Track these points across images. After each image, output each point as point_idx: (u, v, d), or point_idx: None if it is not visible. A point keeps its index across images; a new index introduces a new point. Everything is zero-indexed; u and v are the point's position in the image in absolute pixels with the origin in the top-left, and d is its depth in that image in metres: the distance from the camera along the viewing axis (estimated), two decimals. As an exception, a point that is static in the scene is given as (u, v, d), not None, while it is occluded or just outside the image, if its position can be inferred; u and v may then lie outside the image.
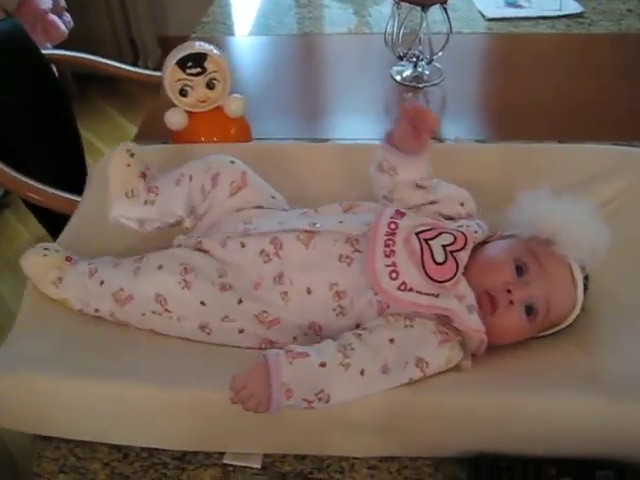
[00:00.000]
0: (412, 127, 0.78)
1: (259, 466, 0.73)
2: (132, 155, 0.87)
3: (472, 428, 0.70)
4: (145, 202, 0.86)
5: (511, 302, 0.72)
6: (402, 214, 0.77)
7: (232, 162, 0.88)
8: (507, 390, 0.70)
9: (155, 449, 0.75)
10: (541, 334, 0.76)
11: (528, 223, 0.76)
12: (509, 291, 0.72)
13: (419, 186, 0.81)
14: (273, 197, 0.88)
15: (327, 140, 1.18)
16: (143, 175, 0.87)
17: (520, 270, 0.73)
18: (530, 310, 0.73)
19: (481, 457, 0.70)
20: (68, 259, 0.83)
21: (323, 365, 0.67)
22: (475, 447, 0.70)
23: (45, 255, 0.83)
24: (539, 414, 0.69)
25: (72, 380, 0.73)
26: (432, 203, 0.82)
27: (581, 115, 1.23)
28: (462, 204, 0.83)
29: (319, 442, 0.73)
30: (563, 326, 0.76)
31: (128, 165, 0.86)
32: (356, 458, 0.73)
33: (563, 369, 0.73)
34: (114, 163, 0.86)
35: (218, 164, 0.87)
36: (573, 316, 0.75)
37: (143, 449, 0.75)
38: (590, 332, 0.77)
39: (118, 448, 0.75)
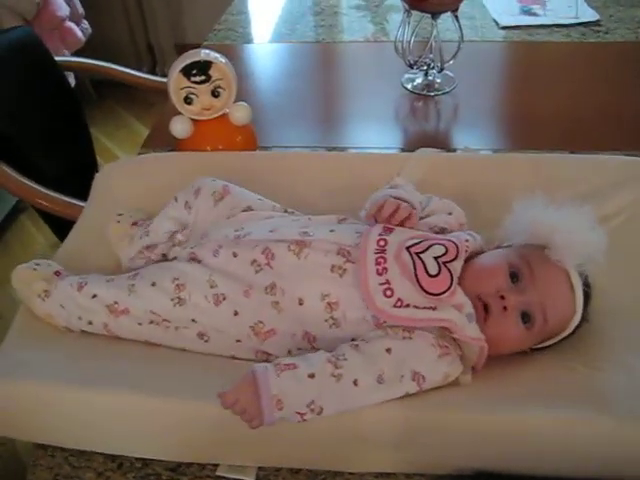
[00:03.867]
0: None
1: (253, 479, 0.72)
2: (119, 214, 0.93)
3: (471, 445, 0.69)
4: (140, 237, 0.89)
5: (505, 308, 0.71)
6: (390, 230, 0.76)
7: (213, 180, 0.89)
8: (507, 407, 0.68)
9: (150, 460, 0.74)
10: (543, 344, 0.74)
11: (523, 230, 0.75)
12: (502, 297, 0.71)
13: None
14: (260, 200, 0.88)
15: (337, 148, 1.18)
16: (135, 224, 0.92)
17: (514, 277, 0.72)
18: (526, 317, 0.71)
19: (480, 475, 0.68)
20: (57, 273, 0.83)
21: (312, 376, 0.66)
22: (473, 464, 0.69)
23: (35, 269, 0.83)
24: (540, 432, 0.67)
25: (67, 389, 0.73)
26: (421, 218, 0.82)
27: (595, 125, 1.21)
28: (450, 213, 0.83)
29: (313, 456, 0.72)
30: (565, 335, 0.74)
31: (118, 222, 0.93)
32: (351, 473, 0.71)
33: (567, 386, 0.71)
34: (109, 228, 0.92)
35: (199, 182, 0.89)
36: (574, 323, 0.73)
37: (138, 459, 0.74)
38: (595, 348, 0.75)
39: (113, 458, 0.74)
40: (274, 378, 0.66)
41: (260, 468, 0.73)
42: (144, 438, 0.74)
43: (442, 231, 0.81)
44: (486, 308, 0.72)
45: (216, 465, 0.73)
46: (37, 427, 0.76)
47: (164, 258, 0.88)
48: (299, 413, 0.66)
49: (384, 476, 0.71)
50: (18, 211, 2.38)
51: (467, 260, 0.75)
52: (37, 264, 0.85)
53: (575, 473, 0.67)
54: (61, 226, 1.42)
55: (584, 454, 0.67)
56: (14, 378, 0.74)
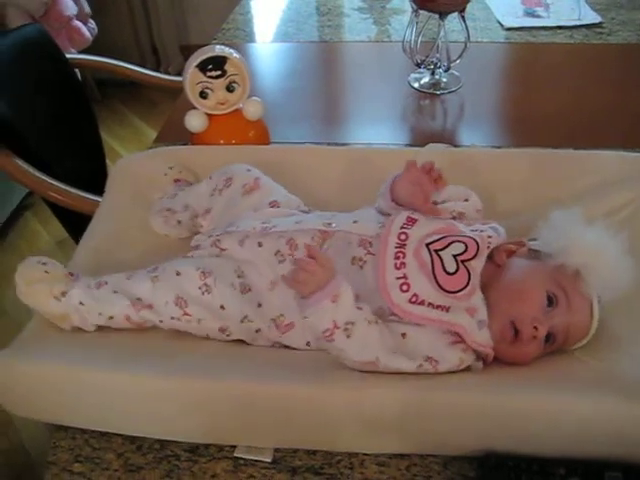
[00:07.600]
0: (415, 185, 0.78)
1: (270, 460, 0.73)
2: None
3: (482, 427, 0.71)
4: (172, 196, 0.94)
5: (534, 337, 0.72)
6: (413, 221, 0.77)
7: (248, 170, 0.90)
8: (516, 390, 0.70)
9: (168, 441, 0.76)
10: None
11: (559, 248, 0.75)
12: (535, 328, 0.71)
13: None
14: (287, 196, 0.90)
15: (344, 145, 1.19)
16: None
17: (550, 301, 0.73)
18: (549, 337, 0.73)
19: (490, 456, 0.70)
20: (70, 274, 0.81)
21: (360, 308, 0.70)
22: (484, 446, 0.71)
23: (47, 272, 0.79)
24: (547, 414, 0.69)
25: (87, 371, 0.74)
26: (435, 204, 0.82)
27: (597, 124, 1.23)
28: (466, 199, 0.84)
29: (330, 438, 0.74)
30: (570, 349, 0.76)
31: (165, 175, 0.94)
32: (366, 454, 0.73)
33: (573, 371, 0.73)
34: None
35: (234, 170, 0.90)
36: (583, 342, 0.75)
37: (156, 441, 0.76)
38: (602, 339, 0.76)
39: (132, 439, 0.76)
40: (345, 288, 0.69)
41: (277, 449, 0.74)
42: (163, 420, 0.75)
43: (460, 216, 0.82)
44: (517, 334, 0.72)
45: (234, 446, 0.75)
46: (58, 409, 0.77)
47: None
48: (333, 325, 0.68)
49: (398, 457, 0.73)
50: (23, 208, 2.39)
51: (491, 257, 0.75)
52: (44, 265, 0.80)
53: (583, 454, 0.69)
54: (71, 221, 1.44)
55: (591, 435, 0.69)
56: (35, 360, 0.75)
